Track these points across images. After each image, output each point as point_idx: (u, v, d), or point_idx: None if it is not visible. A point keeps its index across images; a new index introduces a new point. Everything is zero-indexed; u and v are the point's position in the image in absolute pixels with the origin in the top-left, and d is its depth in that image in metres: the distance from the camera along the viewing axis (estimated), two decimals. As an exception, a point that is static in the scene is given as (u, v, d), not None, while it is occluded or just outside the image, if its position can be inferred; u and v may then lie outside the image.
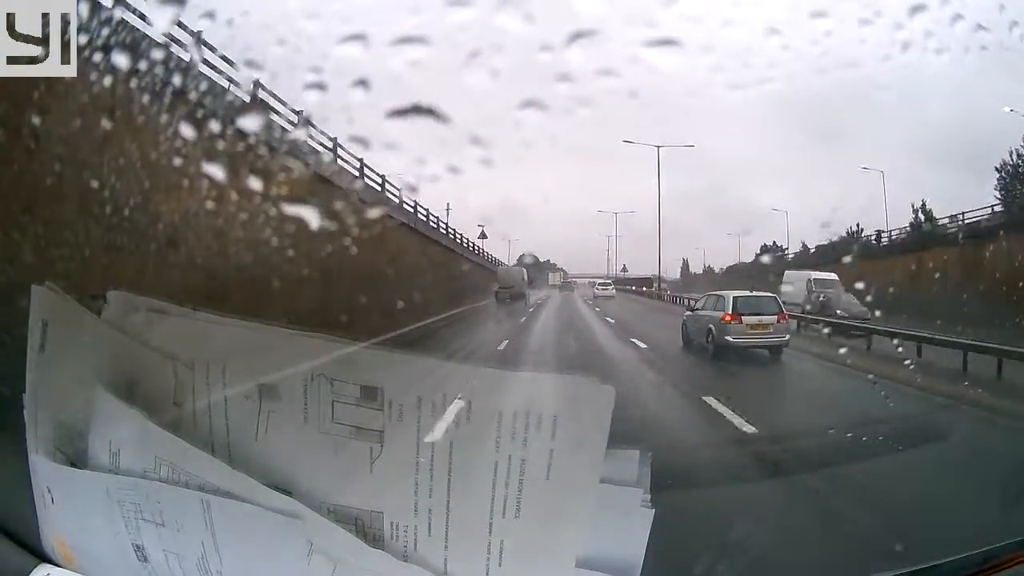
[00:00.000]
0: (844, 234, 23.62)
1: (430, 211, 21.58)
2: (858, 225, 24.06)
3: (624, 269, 31.75)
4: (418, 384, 1.34)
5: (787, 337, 12.87)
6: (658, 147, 22.18)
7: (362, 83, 3.34)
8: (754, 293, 14.00)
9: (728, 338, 12.51)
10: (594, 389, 1.29)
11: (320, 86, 3.35)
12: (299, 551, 1.30)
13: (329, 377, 1.32)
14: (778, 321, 12.84)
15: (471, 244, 27.47)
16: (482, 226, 26.12)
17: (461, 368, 1.51)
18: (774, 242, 28.04)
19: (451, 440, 1.29)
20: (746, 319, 12.63)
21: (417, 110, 3.06)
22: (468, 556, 1.29)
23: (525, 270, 27.02)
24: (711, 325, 13.04)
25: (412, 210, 19.25)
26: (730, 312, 12.74)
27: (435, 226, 22.58)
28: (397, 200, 17.12)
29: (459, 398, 1.33)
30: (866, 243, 23.35)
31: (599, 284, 30.17)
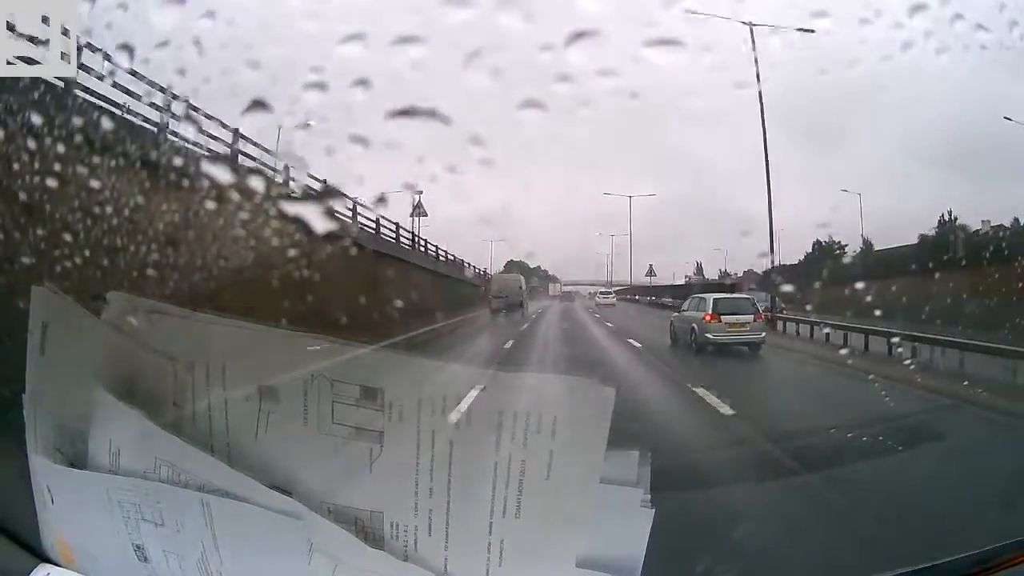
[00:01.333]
0: (935, 228, 18.61)
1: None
2: (950, 212, 18.54)
3: (651, 272, 27.63)
4: (418, 385, 1.35)
5: (763, 335, 13.93)
6: (751, 24, 13.21)
7: (362, 83, 3.34)
8: (733, 295, 15.26)
9: (708, 335, 13.66)
10: (594, 390, 1.29)
11: (320, 86, 3.34)
12: (299, 551, 1.30)
13: (329, 378, 1.32)
14: (754, 320, 13.94)
15: (442, 252, 22.09)
16: (419, 193, 16.58)
17: (462, 369, 1.51)
18: (830, 236, 21.73)
19: (451, 440, 1.29)
20: (725, 318, 13.73)
21: (417, 110, 3.05)
22: (468, 556, 1.29)
23: (523, 278, 25.68)
24: (694, 324, 14.21)
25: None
26: (711, 312, 13.84)
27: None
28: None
29: (459, 399, 1.34)
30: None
31: (600, 293, 31.24)
